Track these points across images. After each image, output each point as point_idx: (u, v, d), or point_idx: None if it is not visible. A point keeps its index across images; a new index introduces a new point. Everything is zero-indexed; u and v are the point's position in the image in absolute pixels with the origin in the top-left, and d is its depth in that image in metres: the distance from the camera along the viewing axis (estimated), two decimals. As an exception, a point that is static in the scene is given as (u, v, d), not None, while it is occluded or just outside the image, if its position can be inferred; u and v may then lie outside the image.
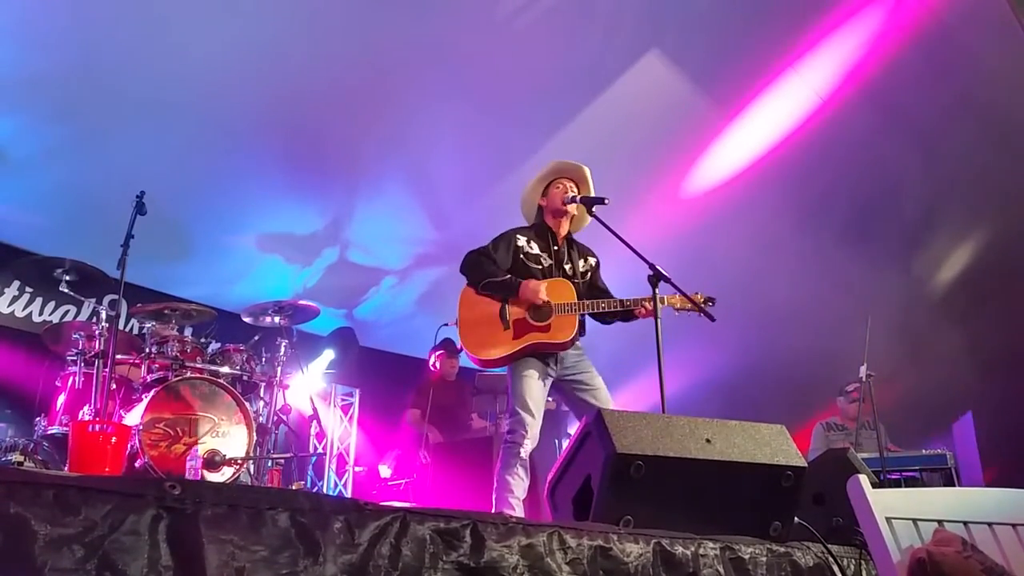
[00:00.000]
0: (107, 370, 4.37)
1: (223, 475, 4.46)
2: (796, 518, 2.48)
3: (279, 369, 5.39)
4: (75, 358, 4.69)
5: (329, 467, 6.56)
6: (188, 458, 4.25)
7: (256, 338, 5.47)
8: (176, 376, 4.65)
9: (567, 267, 4.03)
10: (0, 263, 5.92)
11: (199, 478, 4.18)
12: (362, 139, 6.42)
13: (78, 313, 6.37)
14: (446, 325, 4.72)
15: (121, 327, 5.42)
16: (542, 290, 3.80)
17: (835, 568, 2.38)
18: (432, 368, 6.76)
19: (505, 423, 3.98)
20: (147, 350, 4.81)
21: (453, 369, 6.73)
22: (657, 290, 3.63)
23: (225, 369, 4.97)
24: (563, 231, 4.11)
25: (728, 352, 7.61)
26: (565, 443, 3.73)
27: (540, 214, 4.17)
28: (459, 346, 6.44)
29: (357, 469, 7.00)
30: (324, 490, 6.38)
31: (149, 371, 4.75)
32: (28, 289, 6.25)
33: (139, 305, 5.23)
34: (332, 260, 7.60)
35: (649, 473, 2.28)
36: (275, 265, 7.39)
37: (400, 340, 8.49)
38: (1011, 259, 6.73)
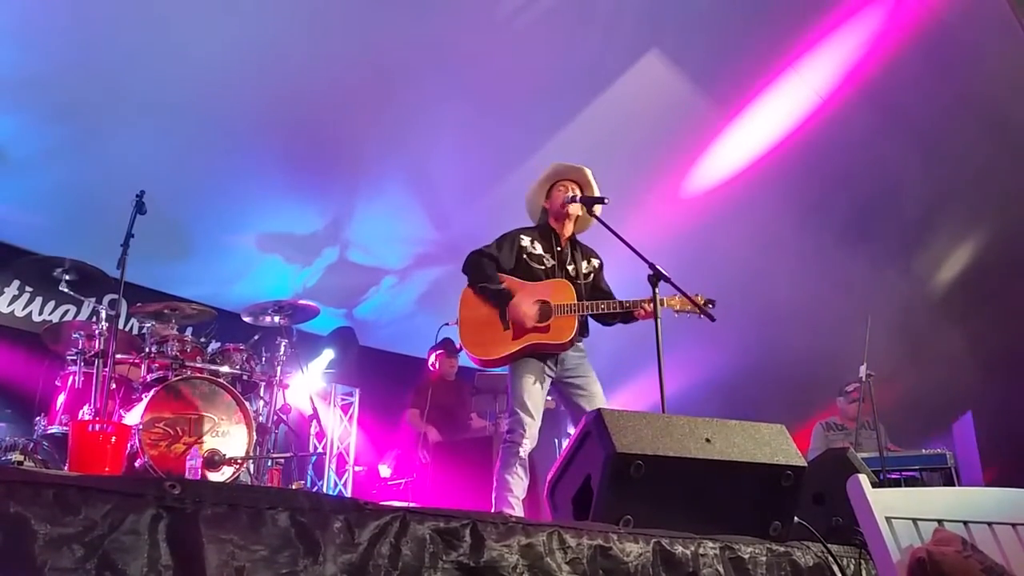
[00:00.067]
0: (107, 370, 4.37)
1: (223, 475, 4.46)
2: (796, 518, 2.48)
3: (279, 369, 5.39)
4: (75, 358, 4.69)
5: (329, 467, 6.56)
6: (188, 458, 4.25)
7: (256, 338, 5.47)
8: (176, 376, 4.65)
9: (570, 268, 4.04)
10: (0, 262, 5.92)
11: (199, 478, 4.18)
12: (362, 139, 6.42)
13: (78, 313, 6.36)
14: (447, 324, 4.74)
15: (121, 327, 5.42)
16: (531, 315, 3.79)
17: (835, 568, 2.38)
18: (431, 368, 6.76)
19: (504, 423, 3.99)
20: (147, 350, 4.81)
21: (452, 369, 6.73)
22: (657, 290, 3.64)
23: (225, 369, 4.96)
24: (566, 233, 4.12)
25: (728, 352, 7.61)
26: (564, 443, 3.74)
27: (544, 216, 4.18)
28: (459, 346, 6.49)
29: (357, 469, 7.01)
30: (324, 490, 6.38)
31: (149, 371, 4.75)
32: (28, 288, 6.25)
33: (139, 305, 5.23)
34: (332, 260, 7.60)
35: (649, 473, 2.28)
36: (275, 265, 7.39)
37: (400, 340, 8.49)
38: (1011, 259, 6.73)
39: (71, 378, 4.68)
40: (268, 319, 5.62)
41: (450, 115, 6.30)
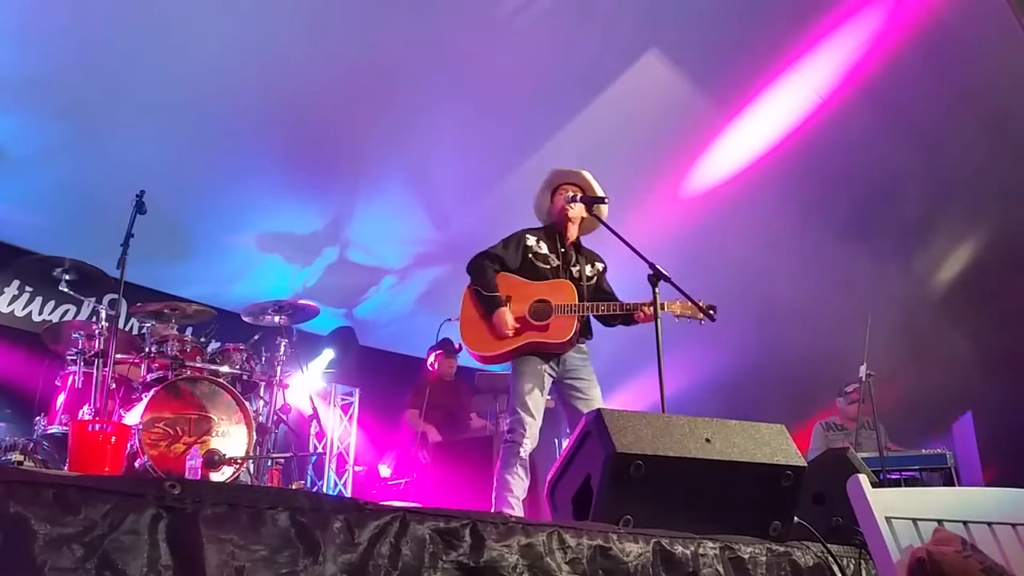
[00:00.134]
0: (107, 369, 4.37)
1: (223, 474, 4.45)
2: (796, 518, 2.48)
3: (279, 368, 5.39)
4: (75, 357, 4.68)
5: (329, 466, 6.56)
6: (188, 457, 4.25)
7: (256, 337, 5.47)
8: (176, 375, 4.65)
9: (574, 270, 4.07)
10: (0, 262, 5.92)
11: (199, 477, 4.18)
12: (362, 139, 6.42)
13: (78, 312, 6.36)
14: (449, 320, 4.80)
15: (121, 326, 5.41)
16: (508, 331, 3.82)
17: (835, 568, 2.38)
18: (430, 368, 6.76)
19: (505, 422, 4.00)
20: (147, 349, 4.81)
21: (451, 369, 6.73)
22: (657, 290, 3.64)
23: (225, 368, 4.96)
24: (571, 235, 4.13)
25: (728, 352, 7.61)
26: (564, 443, 3.74)
27: (549, 219, 4.22)
28: (458, 346, 6.50)
29: (357, 468, 7.01)
30: (324, 489, 6.38)
31: (149, 370, 4.75)
32: (28, 288, 6.25)
33: (139, 304, 5.22)
34: (332, 259, 7.60)
35: (649, 473, 2.28)
36: (275, 264, 7.39)
37: (400, 339, 8.49)
38: (1011, 258, 6.73)
39: (71, 378, 4.68)
40: (268, 319, 5.62)
41: (450, 115, 6.30)
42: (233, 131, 6.03)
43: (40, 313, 6.33)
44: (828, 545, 2.42)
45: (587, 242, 4.27)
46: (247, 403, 4.77)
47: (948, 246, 7.37)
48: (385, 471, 6.81)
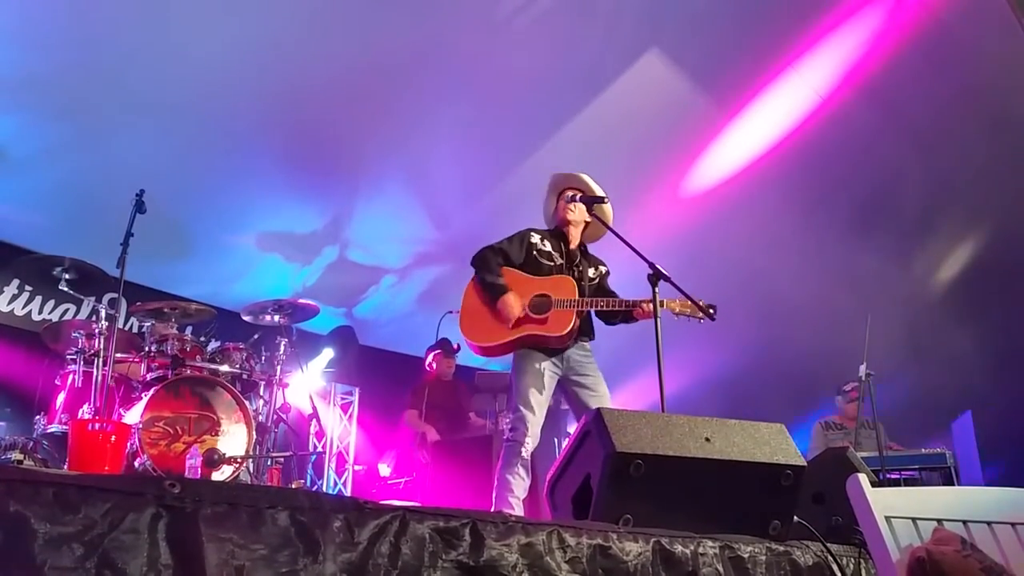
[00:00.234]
0: (106, 368, 4.38)
1: (223, 474, 4.45)
2: (795, 517, 2.48)
3: (279, 368, 5.39)
4: (75, 356, 4.68)
5: (329, 466, 6.55)
6: (188, 457, 4.26)
7: (256, 337, 5.47)
8: (176, 375, 4.65)
9: (577, 270, 4.07)
10: (0, 261, 5.92)
11: (199, 476, 4.18)
12: (362, 138, 6.42)
13: (77, 312, 6.36)
14: (450, 313, 4.85)
15: (121, 326, 5.41)
16: (514, 314, 3.82)
17: (834, 567, 2.38)
18: (428, 368, 6.77)
19: (506, 421, 3.99)
20: (147, 349, 4.81)
21: (450, 369, 6.73)
22: (657, 289, 3.64)
23: (225, 368, 4.96)
24: (573, 237, 4.14)
25: (728, 351, 7.61)
26: (564, 442, 3.73)
27: (555, 222, 4.23)
28: (456, 345, 6.51)
29: (357, 468, 7.00)
30: (324, 489, 6.37)
31: (149, 369, 4.75)
32: (28, 288, 6.25)
33: (139, 304, 5.22)
34: (332, 259, 7.60)
35: (648, 472, 2.28)
36: (275, 264, 7.39)
37: (400, 339, 8.49)
38: (1011, 258, 6.73)
39: (71, 377, 4.68)
40: (268, 318, 5.62)
41: (450, 115, 6.31)
42: (233, 131, 6.03)
43: (40, 312, 6.33)
44: (828, 544, 2.42)
45: (589, 247, 4.28)
46: (247, 402, 4.77)
47: (948, 245, 7.37)
48: (385, 470, 6.81)
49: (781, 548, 2.29)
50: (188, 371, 4.73)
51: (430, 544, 1.63)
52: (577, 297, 3.88)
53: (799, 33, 6.06)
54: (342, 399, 7.11)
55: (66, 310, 6.41)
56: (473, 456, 5.46)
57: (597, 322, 4.14)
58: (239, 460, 4.57)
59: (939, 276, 7.50)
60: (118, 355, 4.61)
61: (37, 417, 4.71)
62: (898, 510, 1.75)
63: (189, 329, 5.74)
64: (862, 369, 5.11)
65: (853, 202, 7.01)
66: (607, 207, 4.07)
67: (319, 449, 6.36)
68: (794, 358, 7.22)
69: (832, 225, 7.00)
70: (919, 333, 6.97)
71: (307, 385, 6.09)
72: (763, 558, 2.21)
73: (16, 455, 4.30)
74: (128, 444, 4.01)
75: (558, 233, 4.15)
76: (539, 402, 3.80)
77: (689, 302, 3.75)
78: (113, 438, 3.71)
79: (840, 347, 5.99)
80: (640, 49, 6.13)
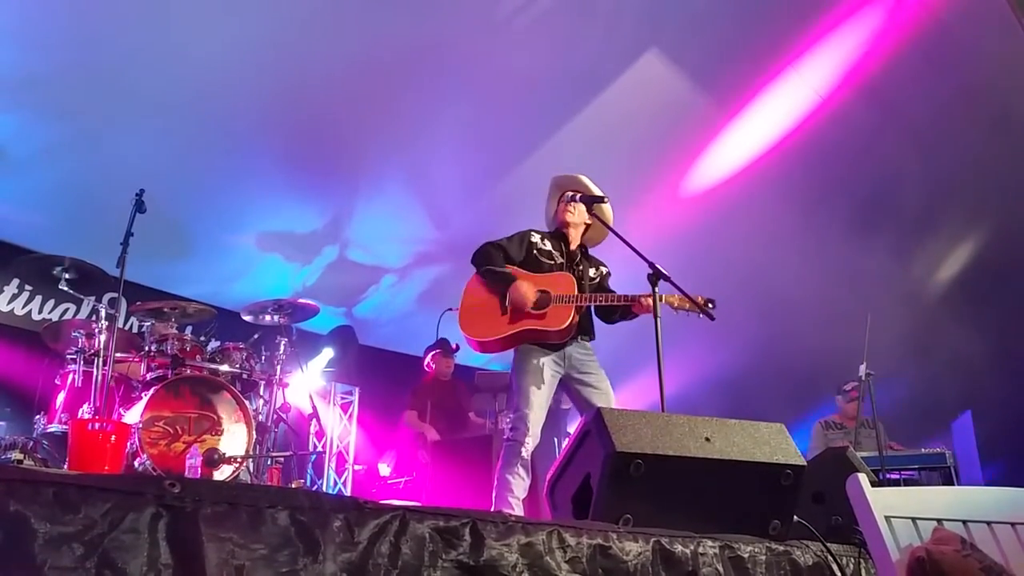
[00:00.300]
0: (106, 368, 4.38)
1: (223, 473, 4.45)
2: (795, 517, 2.48)
3: (279, 367, 5.39)
4: (74, 356, 4.68)
5: (328, 465, 6.56)
6: (188, 456, 4.26)
7: (256, 336, 5.47)
8: (176, 374, 4.65)
9: (577, 270, 4.07)
10: (0, 261, 5.92)
11: (199, 476, 4.18)
12: (362, 138, 6.42)
13: (77, 311, 6.36)
14: (450, 310, 4.84)
15: (121, 325, 5.42)
16: (530, 297, 3.81)
17: (834, 567, 2.38)
18: (427, 368, 6.77)
19: (507, 420, 3.99)
20: (147, 348, 4.81)
21: (448, 368, 6.73)
22: (657, 289, 3.64)
23: (225, 367, 4.96)
24: (575, 240, 4.15)
25: (728, 351, 7.61)
26: (564, 442, 3.73)
27: (555, 224, 4.23)
28: (455, 345, 6.51)
29: (356, 467, 7.00)
30: (323, 488, 6.38)
31: (149, 369, 4.75)
32: (28, 287, 6.25)
33: (139, 303, 5.23)
34: (332, 258, 7.60)
35: (648, 472, 2.28)
36: (275, 263, 7.39)
37: (399, 338, 8.49)
38: (1011, 257, 6.73)
39: (71, 377, 4.68)
40: (268, 318, 5.62)
41: (450, 114, 6.31)
42: (233, 131, 6.04)
43: (40, 312, 6.33)
44: (827, 544, 2.42)
45: (591, 251, 4.28)
46: (247, 402, 4.77)
47: (948, 245, 7.37)
48: (385, 470, 6.81)
49: (781, 548, 2.29)
50: (188, 371, 4.73)
51: (430, 544, 1.63)
52: (576, 293, 3.88)
53: (799, 33, 6.07)
54: (342, 399, 7.11)
55: (66, 310, 6.41)
56: (473, 456, 5.46)
57: (598, 322, 4.14)
58: (239, 460, 4.57)
59: (939, 276, 7.51)
60: (118, 355, 4.61)
61: (37, 417, 4.71)
62: (898, 510, 1.75)
63: (189, 329, 5.74)
64: (862, 369, 5.11)
65: (853, 202, 7.01)
66: (607, 207, 4.07)
67: (319, 449, 6.36)
68: (794, 358, 7.22)
69: (832, 225, 7.00)
70: (919, 333, 6.97)
71: (307, 385, 6.10)
72: (763, 558, 2.21)
73: (16, 455, 4.30)
74: (128, 444, 4.01)
75: (558, 234, 4.15)
76: (540, 401, 3.79)
77: (688, 298, 3.75)
78: (113, 438, 3.71)
79: (840, 347, 5.99)
80: (640, 49, 6.14)
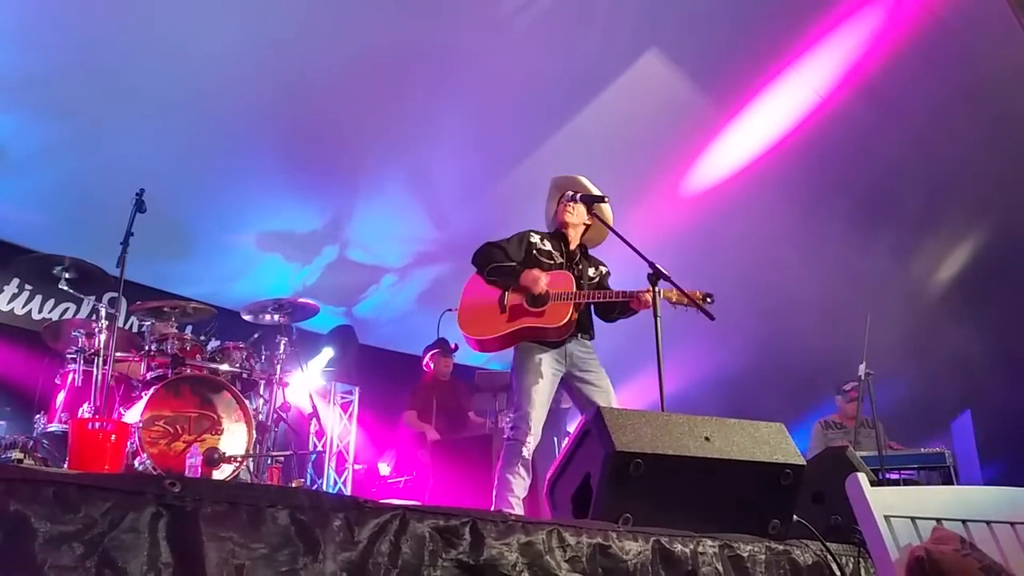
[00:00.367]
0: (107, 368, 4.37)
1: (223, 472, 4.45)
2: (795, 516, 2.49)
3: (279, 367, 5.39)
4: (74, 356, 4.68)
5: (329, 465, 6.56)
6: (188, 456, 4.26)
7: (256, 336, 5.47)
8: (176, 374, 4.65)
9: (577, 269, 4.07)
10: (0, 260, 5.92)
11: (199, 475, 4.18)
12: (362, 138, 6.42)
13: (77, 311, 6.36)
14: (449, 311, 4.84)
15: (121, 325, 5.42)
16: (542, 279, 3.81)
17: (834, 566, 2.38)
18: (425, 368, 6.77)
19: (507, 419, 3.99)
20: (147, 348, 4.81)
21: (447, 368, 6.73)
22: (657, 288, 3.64)
23: (225, 367, 4.96)
24: (574, 240, 4.15)
25: (728, 350, 7.62)
26: (564, 441, 3.73)
27: (555, 225, 4.24)
28: (454, 345, 6.51)
29: (357, 467, 7.01)
30: (324, 488, 6.38)
31: (149, 369, 4.75)
32: (28, 287, 6.25)
33: (139, 303, 5.23)
34: (332, 258, 7.60)
35: (648, 471, 2.28)
36: (275, 263, 7.39)
37: (399, 338, 8.49)
38: (1010, 257, 6.73)
39: (71, 376, 4.68)
40: (268, 317, 5.62)
41: (450, 114, 6.31)
42: (233, 130, 6.04)
43: (40, 311, 6.33)
44: (827, 544, 2.42)
45: (591, 252, 4.28)
46: (247, 401, 4.77)
47: (948, 245, 7.38)
48: (385, 469, 6.81)
49: (780, 547, 2.30)
50: (188, 370, 4.73)
51: (430, 543, 1.63)
52: (575, 290, 3.88)
53: (799, 33, 6.07)
54: (342, 398, 7.11)
55: (66, 309, 6.41)
56: (473, 455, 5.46)
57: (598, 322, 4.14)
58: (239, 459, 4.57)
59: (939, 275, 7.51)
60: (118, 354, 4.61)
61: (37, 416, 4.71)
62: (897, 509, 1.75)
63: (189, 328, 5.74)
64: (862, 368, 5.11)
65: (853, 202, 7.01)
66: (606, 207, 4.06)
67: (319, 448, 6.36)
68: (794, 357, 7.23)
69: (832, 225, 7.00)
70: (919, 332, 6.98)
71: (307, 384, 6.10)
72: (762, 557, 2.21)
73: (16, 454, 4.30)
74: (128, 443, 4.01)
75: (558, 234, 4.15)
76: (542, 399, 3.79)
77: (686, 295, 3.75)
78: (113, 437, 3.71)
79: (840, 346, 5.99)
80: (640, 49, 6.14)
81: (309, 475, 6.47)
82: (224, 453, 4.47)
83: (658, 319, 3.59)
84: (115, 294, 4.60)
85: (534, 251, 4.02)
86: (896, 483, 5.20)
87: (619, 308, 4.00)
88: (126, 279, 4.44)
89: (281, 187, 6.71)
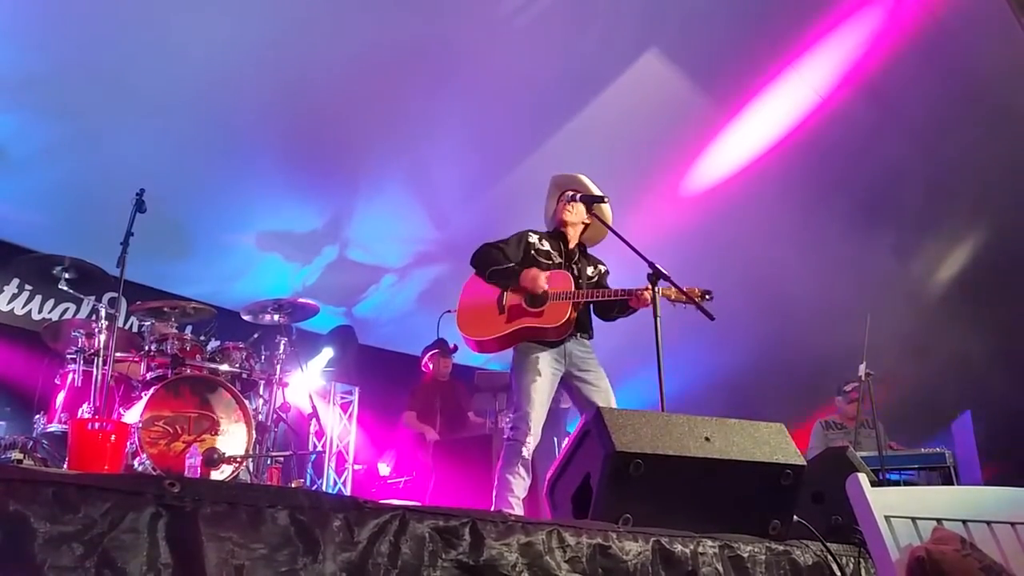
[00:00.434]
0: (106, 368, 4.37)
1: (222, 473, 4.45)
2: (795, 516, 2.48)
3: (278, 367, 5.39)
4: (74, 356, 4.68)
5: (328, 465, 6.56)
6: (187, 456, 4.26)
7: (255, 336, 5.47)
8: (175, 374, 4.65)
9: (575, 268, 4.06)
10: (0, 260, 5.92)
11: (199, 476, 4.18)
12: (362, 138, 6.42)
13: (77, 311, 6.36)
14: (448, 312, 4.85)
15: (120, 325, 5.41)
16: (541, 278, 3.82)
17: (834, 567, 2.38)
18: (425, 368, 6.77)
19: (507, 419, 3.99)
20: (146, 348, 4.81)
21: (446, 368, 6.74)
22: (657, 288, 3.64)
23: (224, 367, 4.96)
24: (573, 239, 4.15)
25: (728, 351, 7.62)
26: (564, 441, 3.73)
27: (554, 224, 4.23)
28: (453, 346, 6.51)
29: (356, 467, 7.01)
30: (323, 488, 6.38)
31: (148, 369, 4.75)
32: (27, 287, 6.25)
33: (138, 303, 5.23)
34: (331, 258, 7.60)
35: (648, 471, 2.28)
36: (274, 263, 7.39)
37: (399, 338, 8.49)
38: (1011, 257, 6.74)
39: (70, 376, 4.68)
40: (268, 317, 5.62)
41: (450, 114, 6.31)
42: (233, 130, 6.04)
43: (40, 311, 6.33)
44: (827, 544, 2.42)
45: (590, 250, 4.28)
46: (246, 401, 4.77)
47: (948, 245, 7.38)
48: (384, 470, 6.81)
49: (781, 547, 2.29)
50: (188, 370, 4.73)
51: (430, 543, 1.63)
52: (573, 289, 3.88)
53: (799, 33, 6.07)
54: (342, 398, 7.11)
55: (66, 309, 6.41)
56: (473, 456, 5.46)
57: (597, 323, 4.14)
58: (239, 459, 4.57)
59: (939, 275, 7.51)
60: (118, 354, 4.60)
61: (37, 416, 4.71)
62: (898, 509, 1.75)
63: (189, 328, 5.73)
64: (862, 368, 5.11)
65: (853, 202, 7.01)
66: (606, 207, 4.07)
67: (319, 448, 6.36)
68: (794, 357, 7.23)
69: (832, 225, 7.00)
70: (919, 332, 6.98)
71: (307, 384, 6.10)
72: (763, 557, 2.21)
73: (16, 454, 4.30)
74: (128, 443, 4.01)
75: (557, 234, 4.15)
76: (542, 399, 3.78)
77: (684, 292, 3.75)
78: (113, 437, 3.71)
79: (840, 346, 5.99)
80: (639, 49, 6.14)
81: (309, 475, 6.47)
82: (224, 453, 4.47)
83: (658, 319, 3.59)
84: (115, 294, 4.60)
85: (532, 251, 4.02)
86: (896, 483, 5.20)
87: (618, 307, 4.00)
88: (126, 279, 4.43)
89: (281, 187, 6.70)
